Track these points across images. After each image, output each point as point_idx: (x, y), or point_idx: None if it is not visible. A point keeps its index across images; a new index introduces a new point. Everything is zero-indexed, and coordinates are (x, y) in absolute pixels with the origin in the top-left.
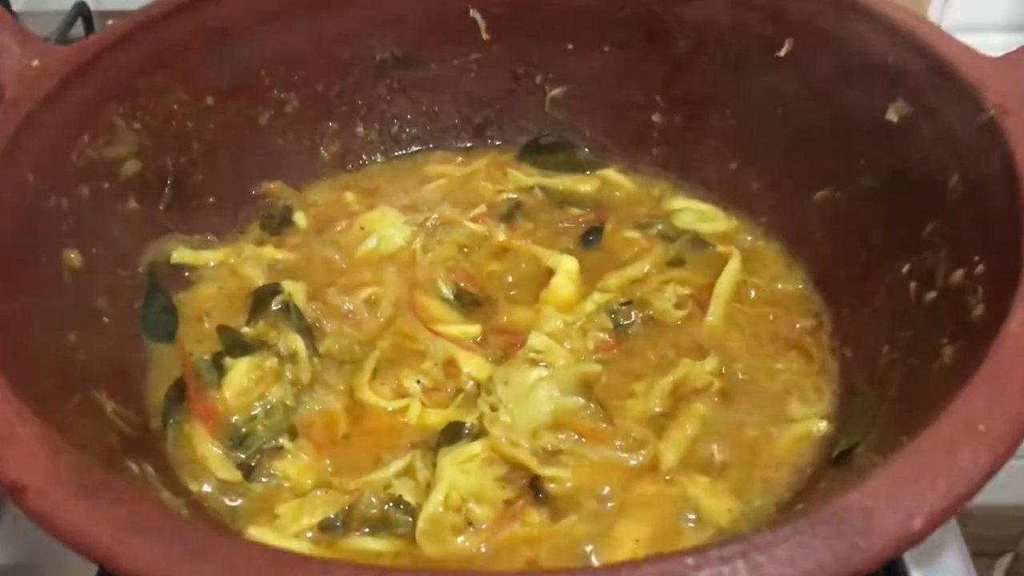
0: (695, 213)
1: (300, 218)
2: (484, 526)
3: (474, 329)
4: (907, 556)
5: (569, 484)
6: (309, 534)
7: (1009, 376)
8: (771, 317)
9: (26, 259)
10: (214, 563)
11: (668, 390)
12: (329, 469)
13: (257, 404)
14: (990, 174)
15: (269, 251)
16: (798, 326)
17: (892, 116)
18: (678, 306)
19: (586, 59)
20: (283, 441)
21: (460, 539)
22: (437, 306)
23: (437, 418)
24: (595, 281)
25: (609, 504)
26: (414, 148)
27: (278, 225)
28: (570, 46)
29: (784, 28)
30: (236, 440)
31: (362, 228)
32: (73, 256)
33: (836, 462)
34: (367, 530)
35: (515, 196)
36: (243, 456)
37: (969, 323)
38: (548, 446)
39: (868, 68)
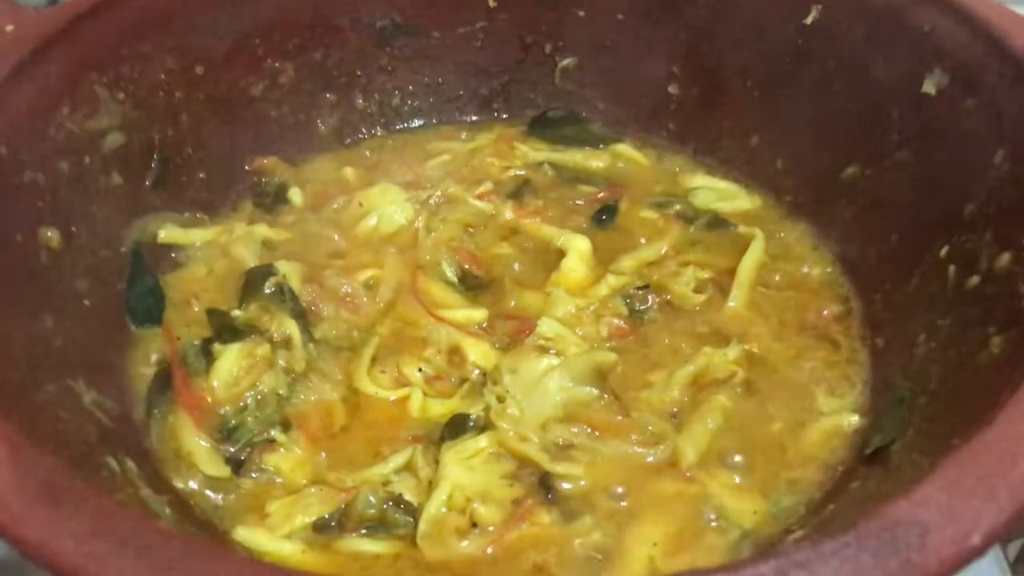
0: (715, 191)
1: (295, 195)
2: (490, 528)
3: (480, 314)
4: None
5: (582, 482)
6: (302, 535)
7: None
8: (797, 303)
9: None
10: None
11: (688, 380)
12: (325, 464)
13: (248, 394)
14: None
15: (262, 230)
16: (826, 313)
17: (929, 88)
18: (698, 290)
19: (599, 27)
20: (275, 434)
21: (464, 542)
22: (440, 289)
23: (440, 409)
24: (609, 263)
25: (624, 504)
26: (416, 122)
27: (272, 202)
28: (581, 13)
29: None
30: (225, 432)
31: (361, 205)
32: (51, 235)
33: (870, 460)
34: (364, 531)
35: (523, 172)
36: (232, 450)
37: (1020, 311)
38: (559, 440)
39: (903, 36)
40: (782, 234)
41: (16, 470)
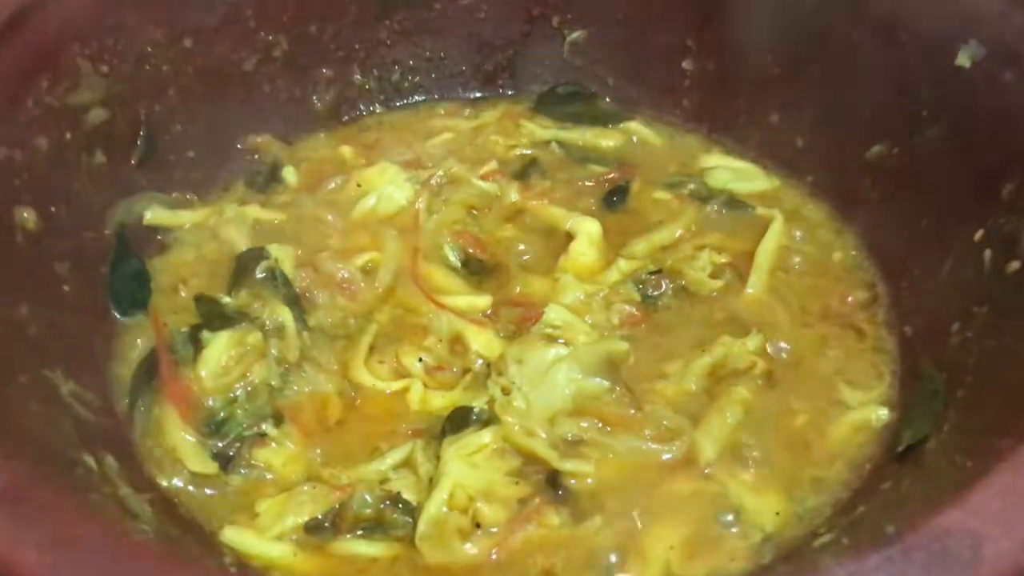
0: (731, 171)
1: (290, 174)
2: (494, 529)
3: (483, 301)
4: None
5: (592, 480)
6: (294, 536)
7: None
8: (819, 289)
9: None
10: None
11: (705, 371)
12: (319, 460)
13: (238, 385)
14: None
15: (254, 211)
16: (850, 299)
17: (963, 60)
18: (714, 275)
19: None
20: (266, 427)
21: (466, 544)
22: (442, 274)
23: (441, 402)
24: (620, 247)
25: (638, 504)
26: (417, 98)
27: (265, 182)
28: None
29: None
30: (212, 426)
31: (359, 186)
32: (27, 215)
33: (902, 458)
34: (360, 532)
35: (530, 151)
36: (220, 445)
37: None
38: (568, 435)
39: (934, 4)
40: (803, 216)
41: None
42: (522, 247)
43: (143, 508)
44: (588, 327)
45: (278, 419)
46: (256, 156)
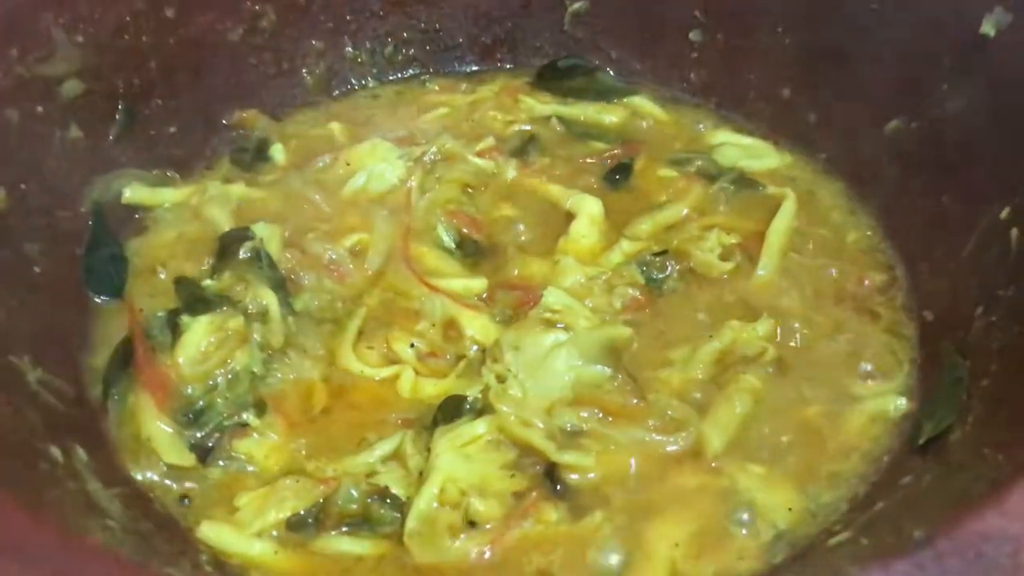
0: (740, 148)
1: (277, 151)
2: (488, 526)
3: (479, 284)
4: None
5: (592, 474)
6: (275, 533)
7: None
8: (834, 271)
9: None
10: None
11: (712, 358)
12: (303, 451)
13: (218, 372)
14: None
15: (239, 189)
16: (866, 282)
17: (988, 29)
18: (723, 257)
19: None
20: (247, 417)
21: (458, 542)
22: (435, 256)
23: (433, 390)
24: (623, 227)
25: (641, 499)
26: (411, 72)
27: (251, 160)
28: None
29: None
30: (191, 416)
31: (348, 164)
32: None
33: (922, 451)
34: (345, 528)
35: (529, 127)
36: (199, 435)
37: None
38: (567, 426)
39: None
40: (816, 195)
41: None
42: (520, 227)
43: (112, 504)
44: (589, 311)
45: (260, 408)
46: (242, 132)
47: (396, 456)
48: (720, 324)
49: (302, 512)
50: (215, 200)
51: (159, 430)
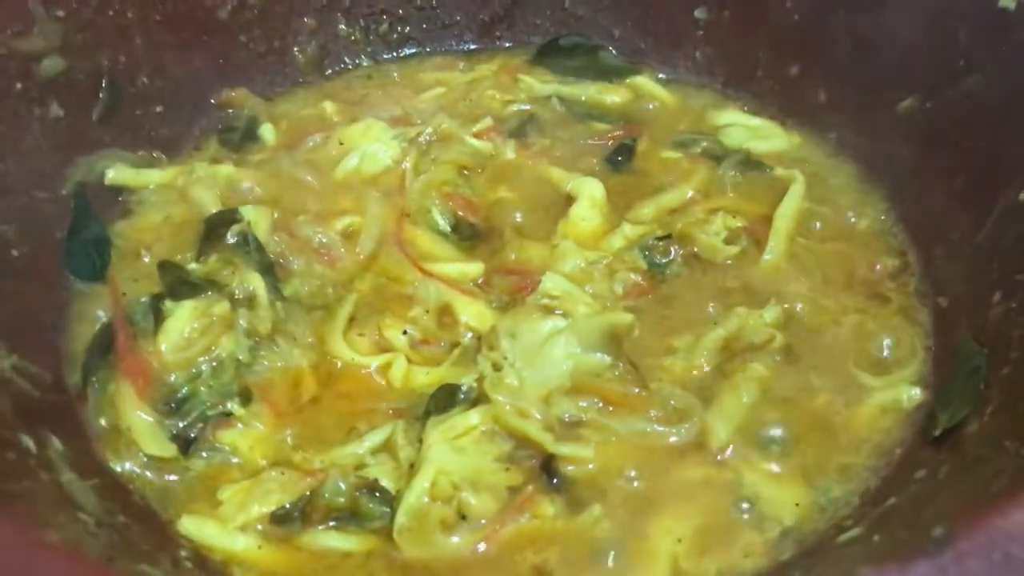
0: (747, 129)
1: (267, 131)
2: (482, 521)
3: (475, 268)
4: None
5: (591, 466)
6: (259, 527)
7: None
8: (844, 256)
9: None
10: None
11: (718, 346)
12: (289, 442)
13: (202, 359)
14: None
15: (227, 170)
16: (878, 267)
17: (1008, 2)
18: (728, 241)
19: None
20: (232, 406)
21: (450, 538)
22: (430, 240)
23: (426, 379)
24: (625, 210)
25: (642, 493)
26: (407, 51)
27: (241, 141)
28: None
29: None
30: (173, 405)
31: (341, 144)
32: None
33: (937, 443)
34: (332, 523)
35: (528, 107)
36: (181, 425)
37: None
38: (565, 416)
39: None
40: (826, 177)
41: None
42: (518, 211)
43: (87, 496)
44: (589, 297)
45: (246, 397)
46: (231, 112)
47: (386, 448)
48: (725, 310)
49: (287, 506)
50: (202, 182)
51: (139, 419)
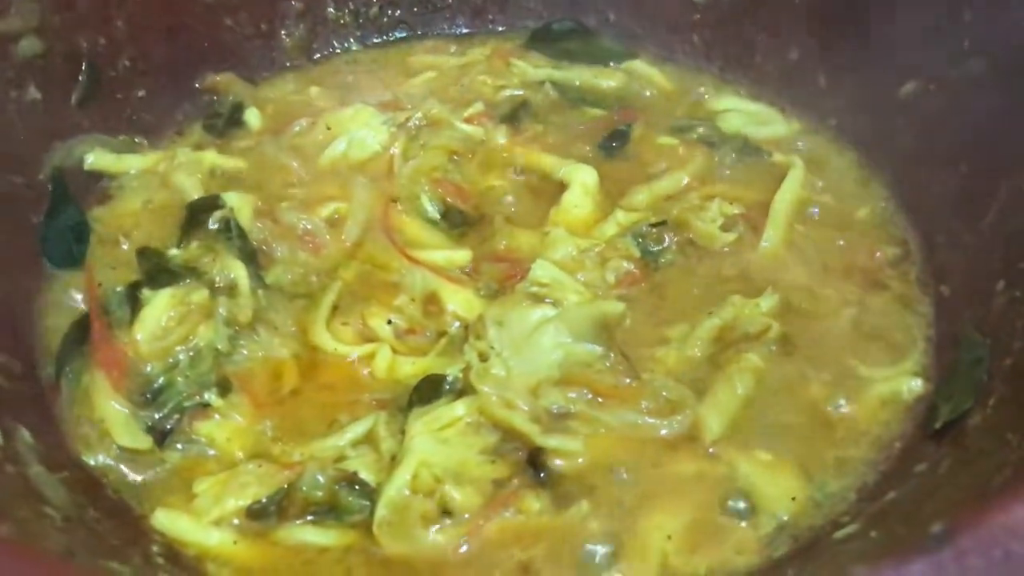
0: (745, 114)
1: (252, 116)
2: (466, 516)
3: (463, 256)
4: None
5: (580, 459)
6: (236, 521)
7: None
8: (843, 244)
9: None
10: None
11: (712, 336)
12: (269, 434)
13: (179, 348)
14: None
15: (210, 156)
16: (878, 255)
17: None
18: (725, 228)
19: None
20: (210, 397)
21: (432, 533)
22: (418, 226)
23: (411, 369)
24: (619, 197)
25: (632, 487)
26: (397, 34)
27: (225, 126)
28: None
29: None
30: (149, 395)
31: (329, 129)
32: None
33: (938, 436)
34: (310, 517)
35: (520, 93)
36: (156, 416)
37: None
38: (553, 407)
39: None
40: (826, 163)
41: None
42: (509, 197)
43: (56, 489)
44: (580, 286)
45: (224, 388)
46: (215, 97)
47: (368, 440)
48: (721, 299)
49: (264, 499)
50: (184, 167)
51: (113, 411)
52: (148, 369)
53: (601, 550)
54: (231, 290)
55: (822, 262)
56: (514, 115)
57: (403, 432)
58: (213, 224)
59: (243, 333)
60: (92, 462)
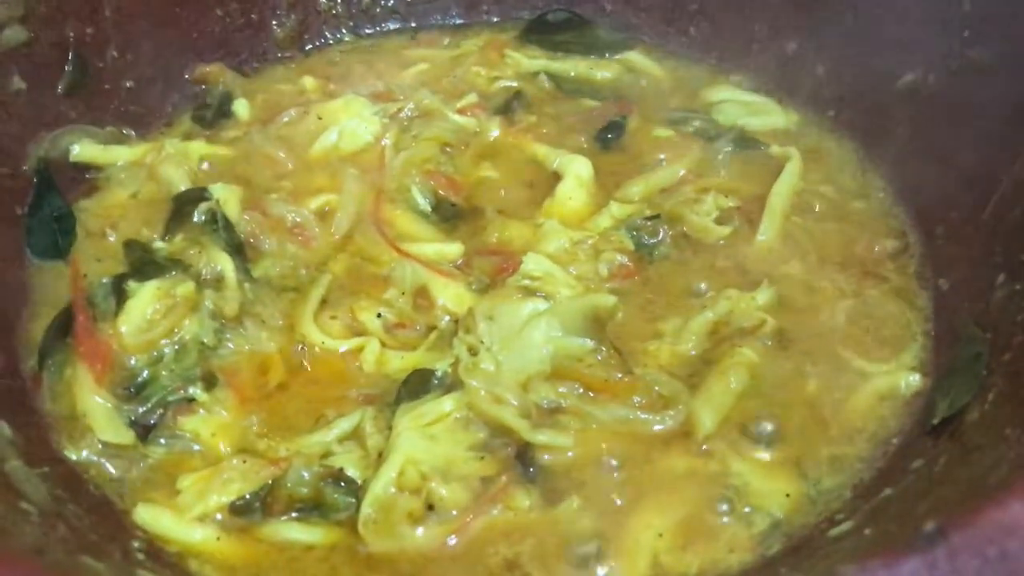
0: (742, 106)
1: (241, 107)
2: (453, 512)
3: (454, 249)
4: None
5: (570, 454)
6: (219, 516)
7: None
8: (841, 237)
9: None
10: None
11: (706, 330)
12: (254, 429)
13: (164, 342)
14: None
15: (198, 147)
16: (876, 249)
17: None
18: (720, 221)
19: None
20: (195, 391)
21: (418, 530)
22: (409, 219)
23: (400, 364)
24: (614, 189)
25: (623, 483)
26: (391, 25)
27: (214, 117)
28: None
29: None
30: (132, 389)
31: (319, 119)
32: None
33: (936, 432)
34: (295, 514)
35: (515, 84)
36: (140, 411)
37: None
38: (544, 402)
39: None
40: (823, 155)
41: None
42: (502, 190)
43: (34, 484)
44: (572, 279)
45: (209, 382)
46: (205, 88)
47: (355, 435)
48: (716, 293)
49: (248, 496)
50: (172, 159)
51: (96, 404)
52: (132, 362)
53: (590, 547)
54: (217, 283)
55: (820, 255)
56: (508, 106)
57: (390, 428)
58: (199, 216)
59: (229, 326)
60: (73, 457)
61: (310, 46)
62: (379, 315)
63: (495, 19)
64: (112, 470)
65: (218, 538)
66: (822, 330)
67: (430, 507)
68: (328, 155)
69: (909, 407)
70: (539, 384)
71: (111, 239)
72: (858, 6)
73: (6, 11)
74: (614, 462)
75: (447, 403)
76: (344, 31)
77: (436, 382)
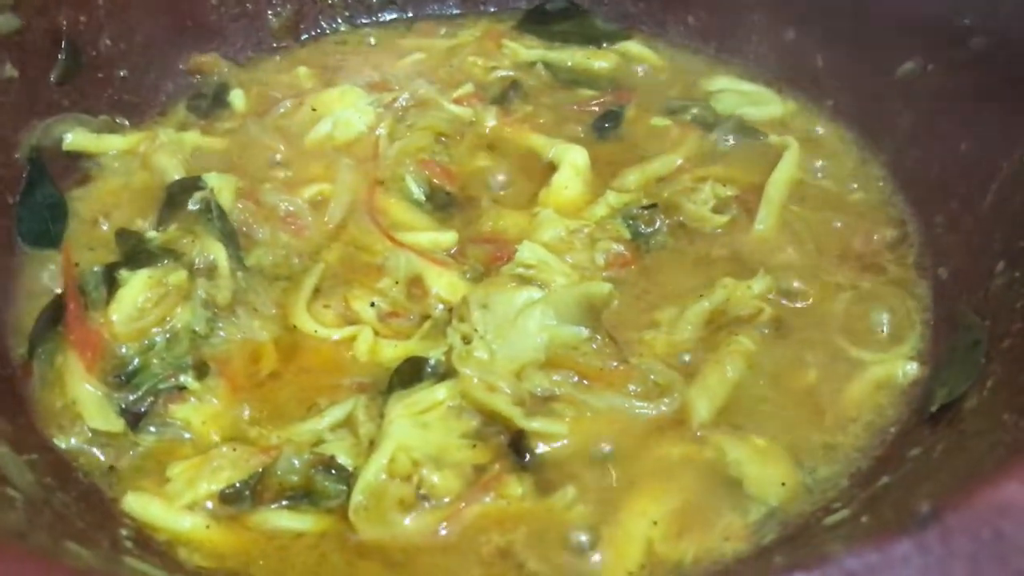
0: (740, 95)
1: (237, 97)
2: (445, 500)
3: (448, 238)
4: None
5: (564, 442)
6: (209, 504)
7: None
8: (839, 226)
9: None
10: None
11: (702, 319)
12: (246, 418)
13: (155, 330)
14: None
15: (192, 137)
16: (875, 237)
17: None
18: (717, 210)
19: None
20: (186, 380)
21: (409, 518)
22: (403, 208)
23: (393, 352)
24: (610, 178)
25: (617, 471)
26: (387, 15)
27: (209, 107)
28: None
29: None
30: (123, 377)
31: (314, 110)
32: None
33: (934, 420)
34: (285, 502)
35: (512, 74)
36: (131, 399)
37: None
38: (538, 390)
39: None
40: (822, 144)
41: None
42: (498, 179)
43: (21, 471)
44: (567, 267)
45: (201, 371)
46: (200, 78)
47: (347, 424)
48: (712, 282)
49: (238, 484)
50: (165, 148)
51: (86, 392)
52: (123, 351)
53: (583, 535)
54: (210, 272)
55: (818, 244)
56: (504, 96)
57: (383, 416)
58: (193, 205)
59: (222, 315)
60: (63, 445)
61: (306, 36)
62: (372, 304)
63: (492, 9)
64: (102, 458)
65: (207, 526)
66: (820, 319)
67: (422, 495)
68: (323, 145)
69: (907, 396)
70: (533, 372)
71: (103, 228)
72: None
73: None
74: (608, 450)
75: (440, 391)
76: (340, 21)
77: (429, 370)
